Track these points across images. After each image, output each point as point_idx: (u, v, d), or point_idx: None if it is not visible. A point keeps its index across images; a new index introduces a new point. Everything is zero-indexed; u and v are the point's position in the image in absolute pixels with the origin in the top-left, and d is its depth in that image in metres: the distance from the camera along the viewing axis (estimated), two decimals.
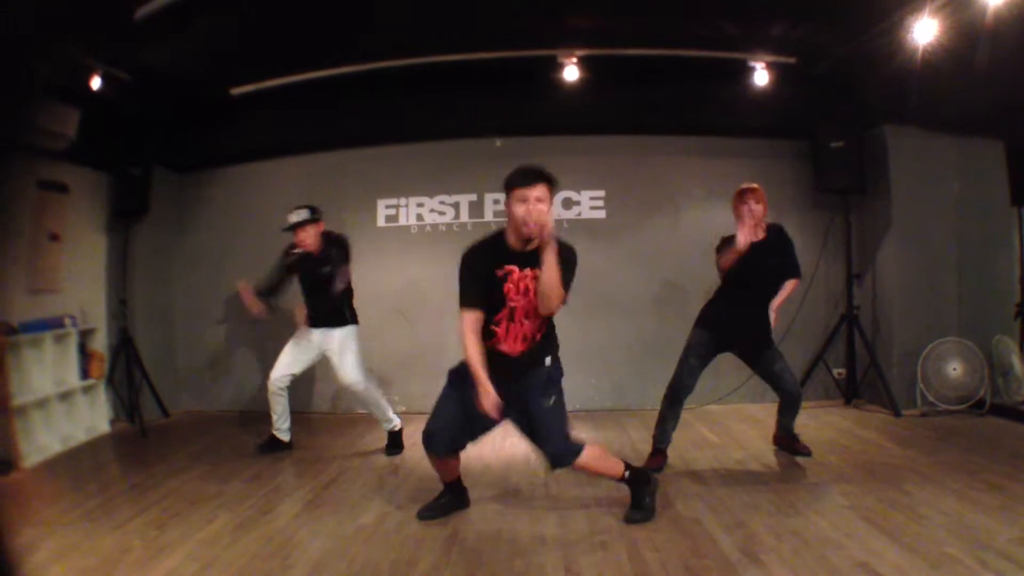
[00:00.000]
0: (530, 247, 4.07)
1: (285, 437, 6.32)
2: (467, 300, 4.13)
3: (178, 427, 7.45)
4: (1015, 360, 6.88)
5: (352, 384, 6.16)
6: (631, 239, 7.90)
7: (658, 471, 5.34)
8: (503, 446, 6.30)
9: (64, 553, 3.93)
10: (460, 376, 4.33)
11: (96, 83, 6.13)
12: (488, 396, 3.96)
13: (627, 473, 4.42)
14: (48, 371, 6.38)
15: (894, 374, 7.25)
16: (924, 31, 5.56)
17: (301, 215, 6.01)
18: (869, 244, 7.70)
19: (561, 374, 4.39)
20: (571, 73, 6.92)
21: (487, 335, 4.18)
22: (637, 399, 7.79)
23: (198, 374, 8.35)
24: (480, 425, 4.32)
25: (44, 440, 6.20)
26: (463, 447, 4.48)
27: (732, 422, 6.92)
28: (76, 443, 6.51)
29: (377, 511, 4.65)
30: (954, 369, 6.95)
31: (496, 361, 4.15)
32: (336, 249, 6.03)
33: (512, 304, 4.14)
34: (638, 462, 5.57)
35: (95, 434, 6.85)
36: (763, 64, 6.91)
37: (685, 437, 6.28)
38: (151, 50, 5.98)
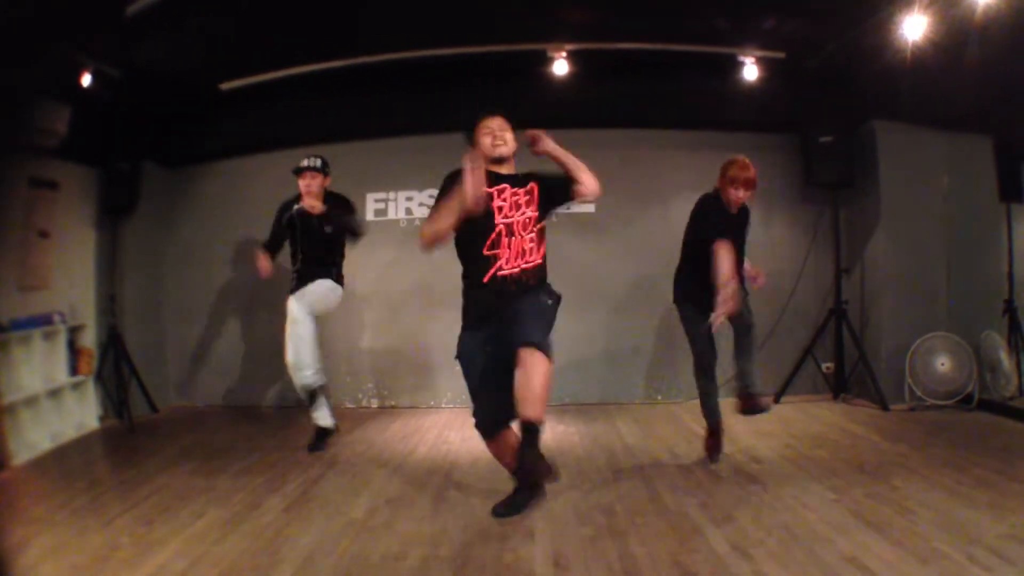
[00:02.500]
0: (506, 170, 4.49)
1: (330, 422, 6.22)
2: (434, 210, 4.50)
3: (167, 423, 7.43)
4: (1003, 356, 6.91)
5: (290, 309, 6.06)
6: (620, 233, 7.91)
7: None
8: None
9: (54, 551, 3.92)
10: (466, 349, 4.42)
11: (86, 80, 6.11)
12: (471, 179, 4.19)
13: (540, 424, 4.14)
14: (37, 368, 6.36)
15: (882, 369, 7.28)
16: (914, 27, 5.58)
17: (314, 161, 6.02)
18: (858, 238, 7.72)
19: (557, 299, 4.40)
20: (560, 67, 6.93)
21: (487, 265, 4.30)
22: (626, 393, 7.81)
23: (187, 369, 8.33)
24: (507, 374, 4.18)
25: (34, 437, 6.17)
26: (512, 416, 4.23)
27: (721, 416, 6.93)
28: (65, 440, 6.49)
29: (366, 505, 4.65)
30: (942, 364, 6.98)
31: (498, 291, 4.28)
32: (340, 208, 6.06)
33: (506, 221, 4.35)
34: (628, 456, 5.63)
35: (84, 430, 6.83)
36: (752, 59, 6.92)
37: (673, 431, 6.30)
38: (141, 46, 5.97)
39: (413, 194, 8.05)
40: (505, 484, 4.78)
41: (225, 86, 7.15)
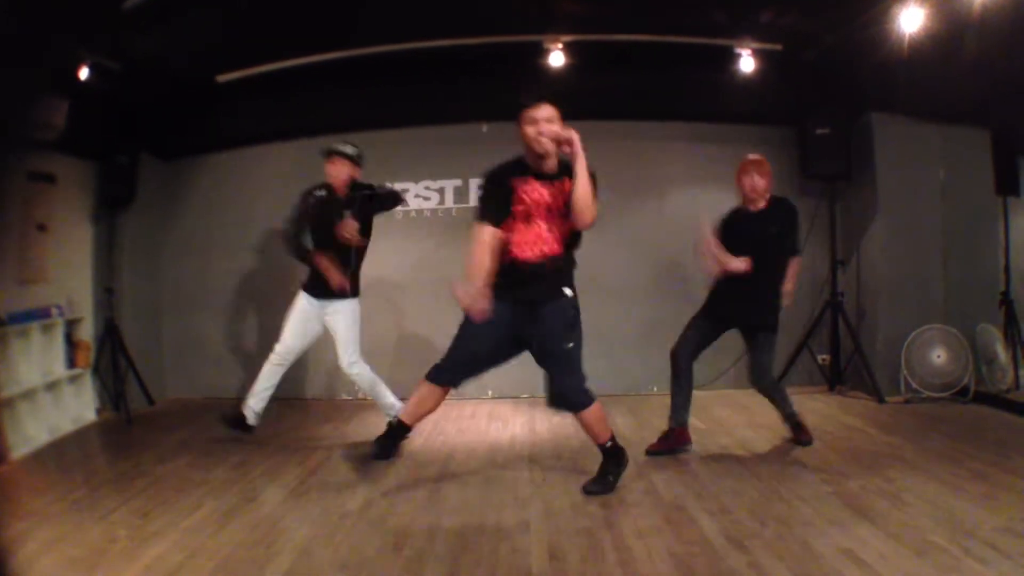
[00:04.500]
0: (547, 168, 4.43)
1: (253, 420, 6.02)
2: (485, 215, 4.39)
3: (163, 415, 7.45)
4: (999, 348, 6.93)
5: (349, 368, 5.98)
6: (616, 224, 7.89)
7: (677, 452, 5.49)
8: (488, 431, 6.35)
9: (53, 544, 3.93)
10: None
11: (84, 73, 6.10)
12: (477, 301, 4.18)
13: (610, 443, 4.68)
14: (35, 361, 6.36)
15: (878, 361, 7.29)
16: (911, 19, 5.57)
17: (346, 147, 5.89)
18: (854, 231, 7.72)
19: (579, 313, 4.67)
20: (557, 59, 6.92)
21: (505, 249, 4.43)
22: (623, 384, 7.81)
23: (183, 362, 8.34)
24: (492, 354, 4.62)
25: (32, 431, 6.18)
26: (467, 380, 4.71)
27: (717, 408, 6.93)
28: (63, 433, 6.49)
29: (362, 497, 4.66)
30: (938, 356, 6.99)
31: (512, 272, 4.40)
32: (364, 194, 5.94)
33: (524, 206, 4.40)
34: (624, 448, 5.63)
35: (82, 423, 6.83)
36: (749, 51, 6.91)
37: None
38: (139, 38, 5.95)
39: (409, 186, 8.01)
40: (502, 479, 4.82)
41: (222, 78, 7.13)
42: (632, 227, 7.91)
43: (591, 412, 4.61)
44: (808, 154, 7.45)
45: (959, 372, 6.95)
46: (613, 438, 4.71)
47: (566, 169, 4.42)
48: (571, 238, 4.57)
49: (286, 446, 6.03)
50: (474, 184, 7.88)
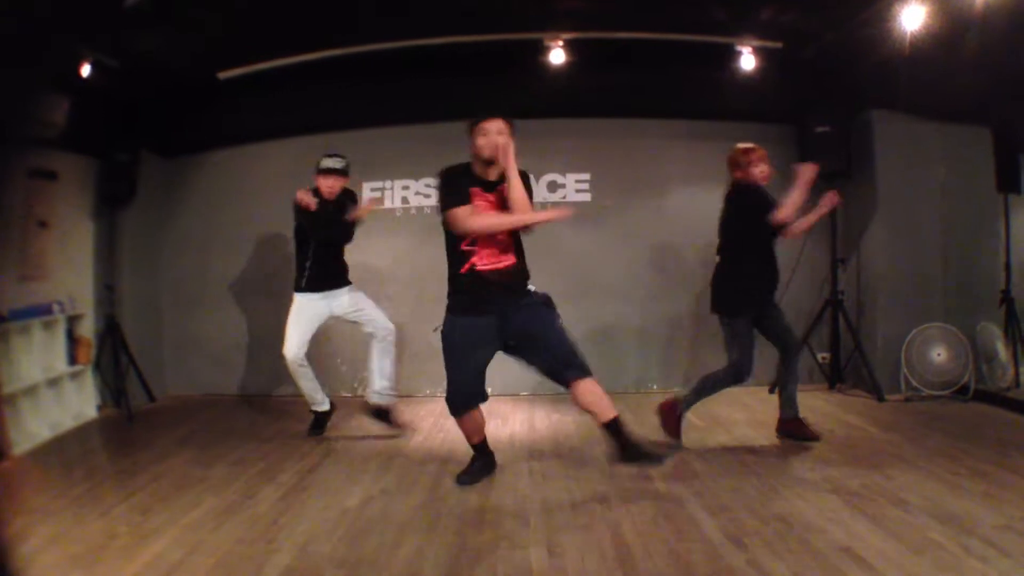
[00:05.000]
0: (493, 176, 4.64)
1: (325, 407, 6.34)
2: (457, 199, 4.55)
3: (164, 412, 7.45)
4: (1000, 346, 6.92)
5: (391, 329, 6.30)
6: (616, 222, 7.90)
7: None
8: (487, 428, 6.33)
9: (53, 540, 3.94)
10: (463, 335, 4.69)
11: (86, 71, 6.11)
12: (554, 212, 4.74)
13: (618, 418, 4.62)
14: (36, 358, 6.37)
15: (878, 359, 7.28)
16: (912, 17, 5.57)
17: (339, 163, 6.08)
18: (854, 229, 7.71)
19: (552, 304, 4.81)
20: (557, 56, 6.91)
21: (463, 258, 4.62)
22: (621, 382, 7.80)
23: (184, 359, 8.34)
24: (485, 360, 4.77)
25: (33, 427, 6.19)
26: (484, 395, 4.85)
27: (716, 406, 6.87)
28: (64, 429, 6.51)
29: (361, 494, 4.67)
30: (938, 355, 6.98)
31: (479, 284, 4.60)
32: (350, 201, 6.21)
33: None
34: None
35: (83, 420, 6.84)
36: (750, 49, 6.90)
37: None
38: (139, 36, 5.96)
39: (409, 183, 8.04)
40: (501, 476, 4.83)
41: (223, 75, 7.13)
42: (632, 225, 7.91)
43: (596, 383, 4.66)
44: (808, 152, 7.39)
45: (959, 370, 6.94)
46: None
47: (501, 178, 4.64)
48: (520, 248, 4.76)
49: (285, 443, 6.03)
50: None
